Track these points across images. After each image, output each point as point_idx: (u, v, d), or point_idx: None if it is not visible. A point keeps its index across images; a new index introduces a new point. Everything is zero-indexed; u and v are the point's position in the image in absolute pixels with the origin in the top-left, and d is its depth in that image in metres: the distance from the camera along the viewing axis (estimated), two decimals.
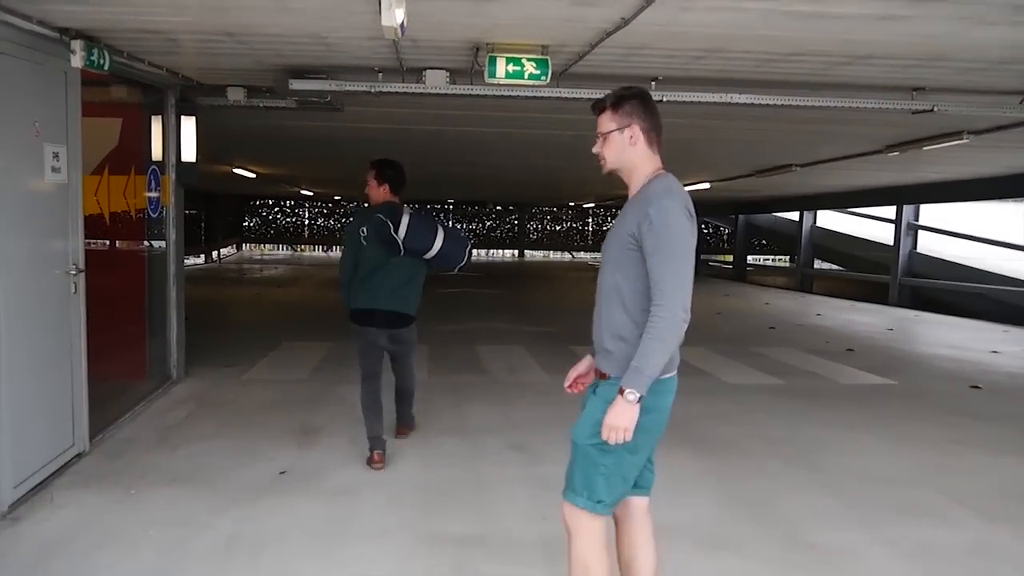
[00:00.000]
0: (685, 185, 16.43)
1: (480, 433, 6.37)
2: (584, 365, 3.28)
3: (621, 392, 2.77)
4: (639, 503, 3.19)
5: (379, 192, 5.61)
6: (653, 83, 6.10)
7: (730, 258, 29.83)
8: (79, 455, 5.48)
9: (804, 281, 22.16)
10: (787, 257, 32.36)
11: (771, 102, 6.22)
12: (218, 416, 6.67)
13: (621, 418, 2.77)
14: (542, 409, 7.17)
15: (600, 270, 3.05)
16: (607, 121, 3.00)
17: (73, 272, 5.29)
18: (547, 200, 33.28)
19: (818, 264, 23.60)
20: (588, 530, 2.99)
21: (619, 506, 3.13)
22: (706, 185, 17.38)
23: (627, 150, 2.98)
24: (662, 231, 2.75)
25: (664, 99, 6.14)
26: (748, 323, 14.24)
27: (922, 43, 4.81)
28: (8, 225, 4.51)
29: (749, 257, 29.15)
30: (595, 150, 3.06)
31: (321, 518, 4.59)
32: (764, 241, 32.25)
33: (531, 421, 6.77)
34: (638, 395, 2.75)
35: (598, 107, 3.04)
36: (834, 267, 23.79)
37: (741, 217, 26.49)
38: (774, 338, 12.31)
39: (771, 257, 34.39)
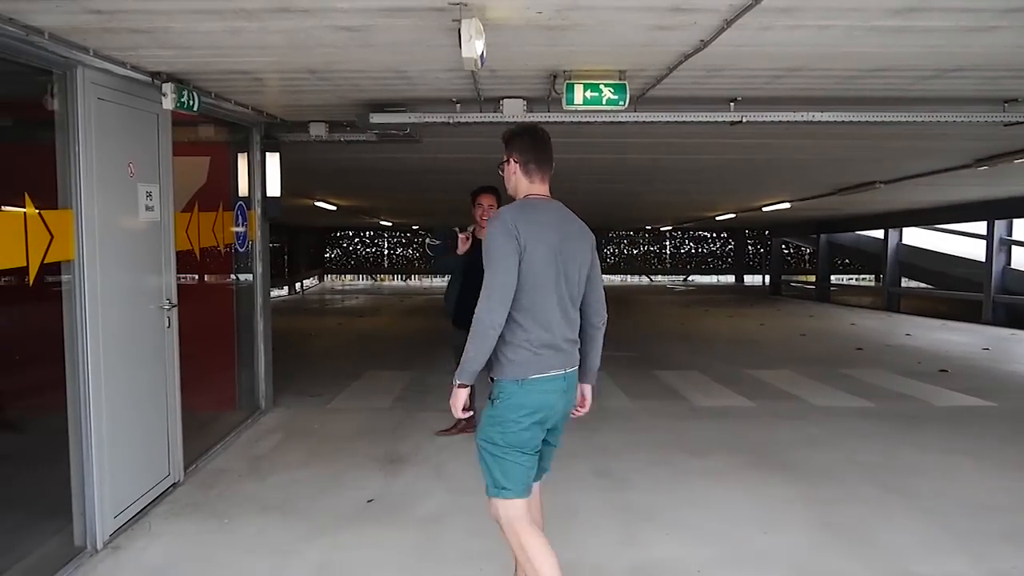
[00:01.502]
0: (764, 205, 16.16)
1: (564, 459, 6.30)
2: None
3: None
4: None
5: None
6: (732, 104, 6.03)
7: (812, 278, 29.17)
8: (174, 485, 5.62)
9: (891, 300, 21.50)
10: (872, 276, 31.56)
11: (854, 119, 6.07)
12: (305, 445, 6.77)
13: (451, 399, 3.35)
14: (626, 435, 7.10)
15: None
16: (504, 153, 3.59)
17: (167, 307, 5.46)
18: (623, 224, 33.16)
19: (905, 283, 22.90)
20: (507, 514, 3.42)
21: None
22: (786, 205, 17.07)
23: (511, 178, 3.56)
24: (486, 248, 3.30)
25: (744, 119, 6.07)
26: (834, 344, 13.89)
27: (1014, 53, 4.65)
28: (107, 262, 4.69)
29: (832, 277, 28.45)
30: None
31: (409, 546, 4.61)
32: (847, 260, 31.51)
33: (615, 446, 6.70)
34: (458, 383, 3.30)
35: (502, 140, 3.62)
36: (922, 285, 23.06)
37: (823, 236, 25.90)
38: (862, 359, 11.97)
39: (855, 276, 33.59)
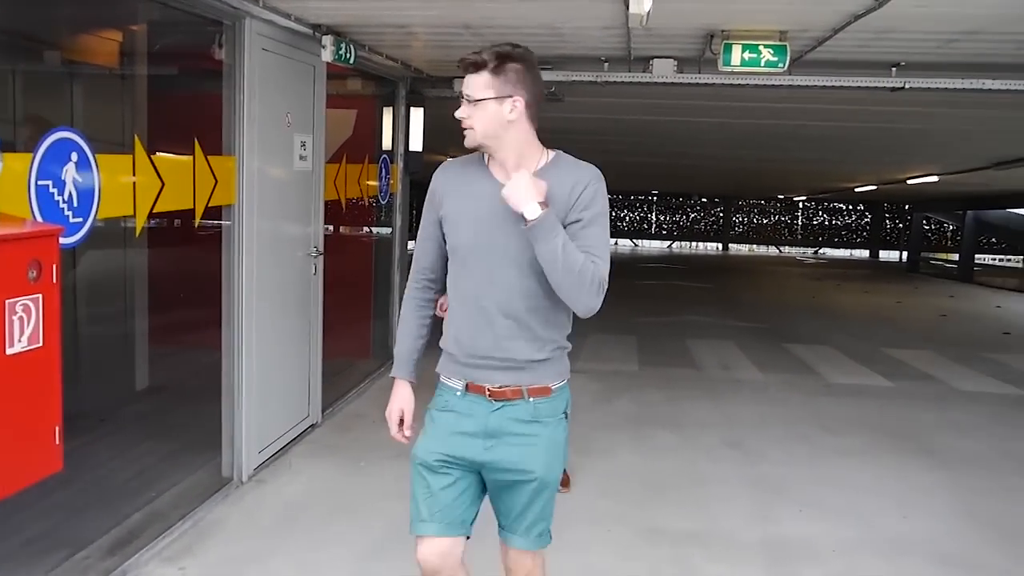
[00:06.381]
0: (910, 178, 15.29)
1: (695, 428, 6.25)
2: None
3: None
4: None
5: None
6: (894, 69, 5.72)
7: (953, 256, 27.66)
8: (312, 426, 5.83)
9: None
10: (1021, 257, 29.76)
11: None
12: None
13: None
14: (758, 407, 6.97)
15: None
16: (483, 87, 2.36)
17: (314, 254, 5.63)
18: (754, 193, 32.22)
19: None
20: None
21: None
22: (934, 178, 16.19)
23: (516, 123, 2.41)
24: (603, 214, 2.45)
25: (906, 86, 5.76)
26: (978, 326, 13.20)
27: None
28: (264, 208, 4.85)
29: (975, 256, 26.85)
30: (458, 114, 2.44)
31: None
32: (993, 239, 29.74)
33: (747, 419, 6.58)
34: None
35: (474, 66, 2.38)
36: None
37: (969, 212, 24.45)
38: (1010, 344, 11.34)
39: (999, 256, 31.72)
